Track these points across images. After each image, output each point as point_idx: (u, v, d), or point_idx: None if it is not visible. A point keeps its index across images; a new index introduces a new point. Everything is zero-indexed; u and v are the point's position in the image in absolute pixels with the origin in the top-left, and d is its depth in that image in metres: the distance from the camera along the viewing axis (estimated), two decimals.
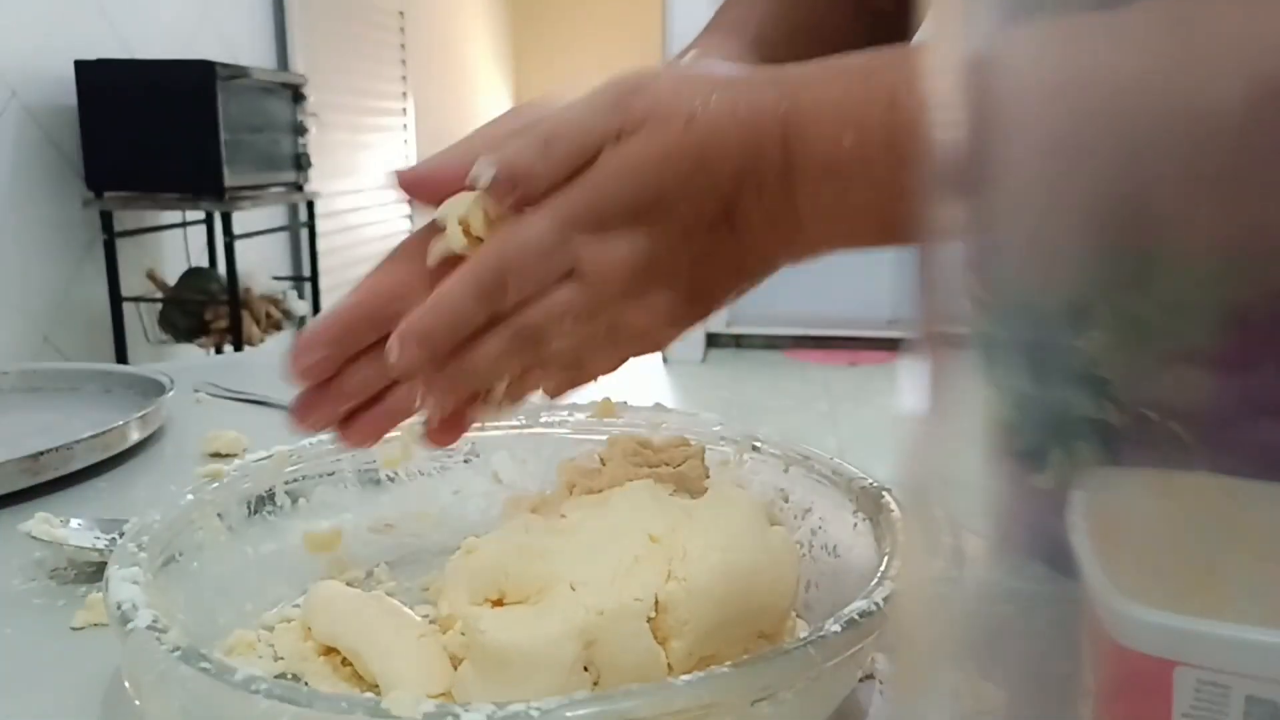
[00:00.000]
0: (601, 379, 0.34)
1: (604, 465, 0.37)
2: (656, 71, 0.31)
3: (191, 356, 2.03)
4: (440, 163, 0.33)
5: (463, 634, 0.29)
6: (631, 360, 0.34)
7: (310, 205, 2.35)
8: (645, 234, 0.30)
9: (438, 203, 0.32)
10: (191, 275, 1.98)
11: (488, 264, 0.29)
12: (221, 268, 1.98)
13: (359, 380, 0.31)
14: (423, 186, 0.33)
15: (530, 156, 0.29)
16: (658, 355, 3.85)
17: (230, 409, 0.67)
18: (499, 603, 0.27)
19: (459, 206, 0.30)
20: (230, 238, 1.87)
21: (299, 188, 2.16)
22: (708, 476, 0.36)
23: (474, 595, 0.28)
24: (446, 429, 0.34)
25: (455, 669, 0.30)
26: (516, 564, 0.28)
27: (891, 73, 0.30)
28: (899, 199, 0.30)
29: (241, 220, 1.96)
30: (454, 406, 0.32)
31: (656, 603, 0.27)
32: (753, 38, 0.46)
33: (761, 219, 0.31)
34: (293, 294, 2.16)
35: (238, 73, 1.82)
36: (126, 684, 0.27)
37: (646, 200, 0.30)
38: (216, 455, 0.56)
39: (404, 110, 3.53)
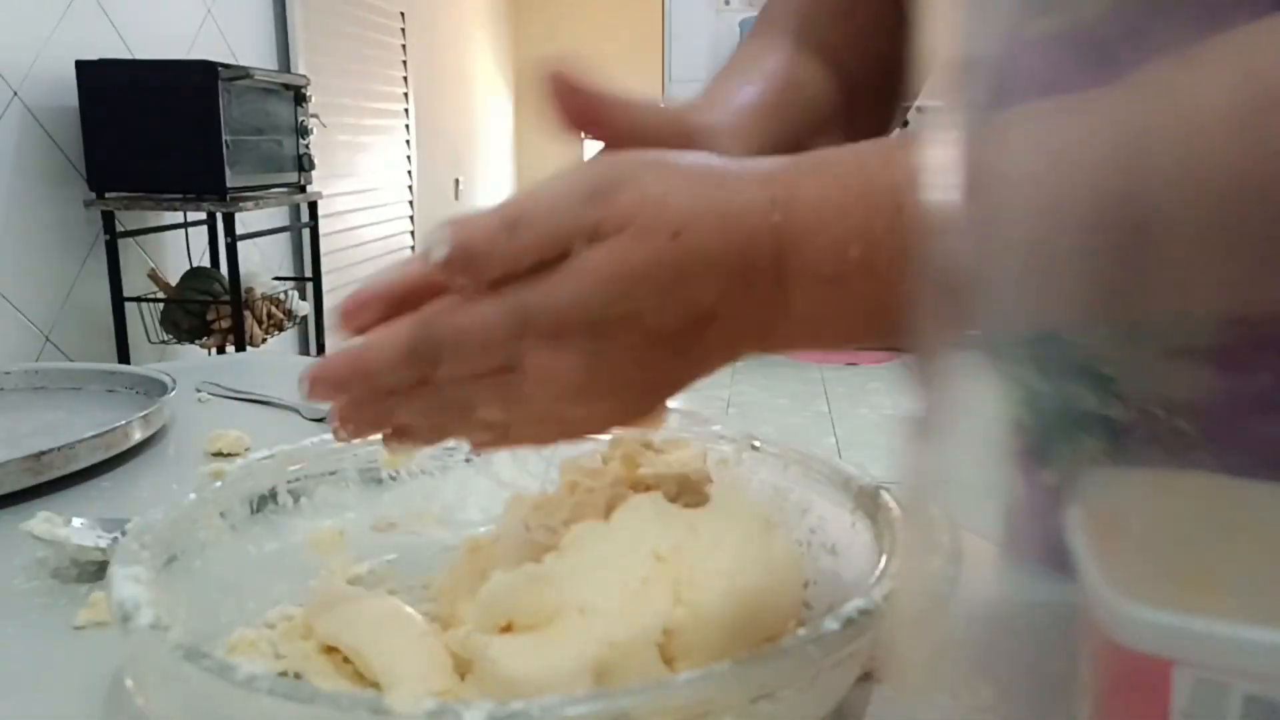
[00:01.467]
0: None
1: (605, 464, 0.37)
2: (642, 164, 0.29)
3: (194, 356, 2.03)
4: (381, 284, 0.30)
5: (470, 657, 0.28)
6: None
7: (312, 206, 2.35)
8: (604, 346, 0.27)
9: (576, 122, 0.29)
10: (193, 275, 1.98)
11: (425, 335, 0.28)
12: (224, 268, 1.99)
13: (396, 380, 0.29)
14: (365, 314, 0.30)
15: (491, 237, 0.27)
16: None
17: (232, 409, 0.67)
18: (507, 627, 0.27)
19: None
20: (232, 238, 1.87)
21: (301, 188, 2.16)
22: (710, 481, 0.36)
23: (483, 622, 0.28)
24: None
25: (456, 668, 0.31)
26: (525, 590, 0.28)
27: (893, 171, 0.28)
28: (899, 303, 0.27)
29: (244, 221, 1.96)
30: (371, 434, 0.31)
31: (664, 628, 0.27)
32: (796, 29, 0.44)
33: (738, 324, 0.29)
34: (295, 294, 2.16)
35: (240, 73, 1.82)
36: (129, 682, 0.27)
37: (615, 314, 0.27)
38: (219, 455, 0.57)
39: (405, 111, 3.53)
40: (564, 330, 0.27)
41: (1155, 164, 0.23)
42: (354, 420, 0.30)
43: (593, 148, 0.32)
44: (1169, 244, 0.22)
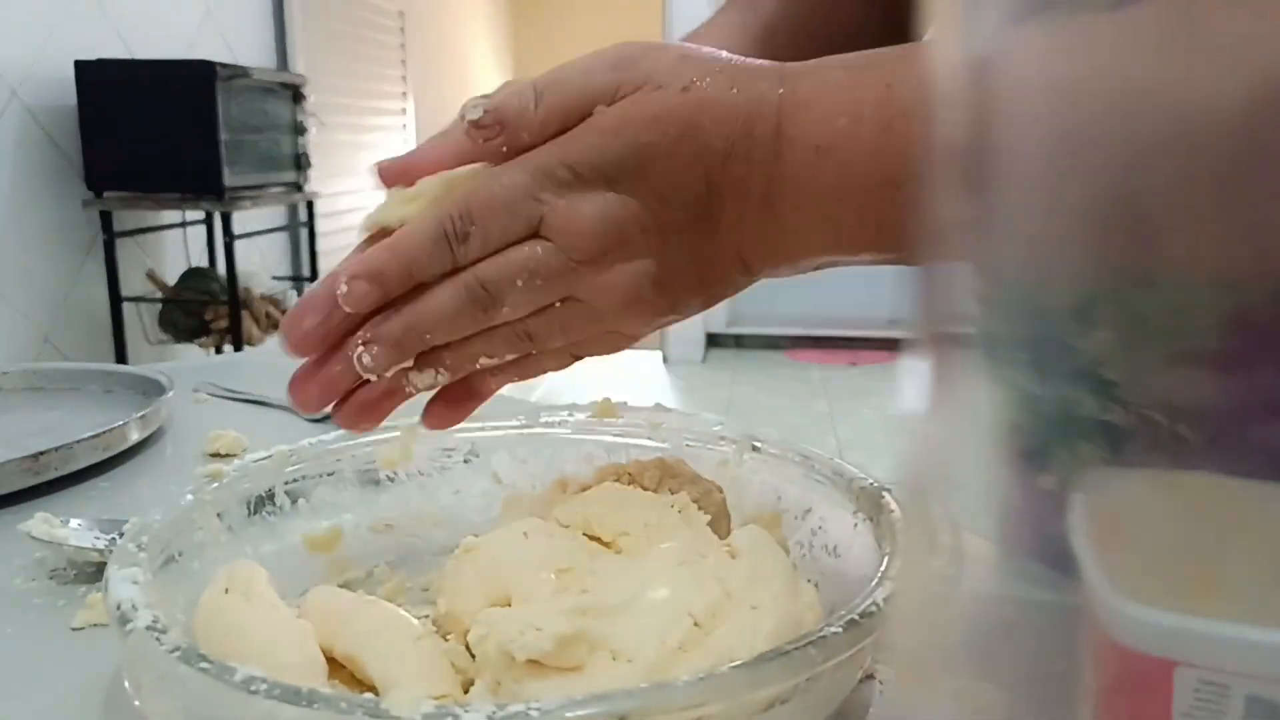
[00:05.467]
0: (556, 374, 0.33)
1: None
2: (662, 44, 0.31)
3: (192, 356, 2.03)
4: (423, 153, 0.32)
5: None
6: (582, 362, 0.33)
7: (310, 205, 2.35)
8: (619, 198, 0.29)
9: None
10: (191, 275, 1.98)
11: (452, 208, 0.29)
12: (221, 268, 1.99)
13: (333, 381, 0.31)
14: (406, 177, 0.32)
15: (521, 102, 0.29)
16: (658, 355, 3.84)
17: (230, 409, 0.67)
18: (536, 663, 0.27)
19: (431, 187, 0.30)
20: (230, 238, 1.87)
21: (299, 188, 2.16)
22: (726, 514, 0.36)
23: (514, 654, 0.26)
24: (444, 411, 0.34)
25: (454, 673, 0.30)
26: (557, 627, 0.27)
27: (890, 63, 0.30)
28: (887, 190, 0.29)
29: (241, 220, 1.96)
30: (396, 366, 0.31)
31: None
32: (764, 24, 0.46)
33: (741, 208, 0.30)
34: (293, 294, 2.16)
35: (238, 73, 1.82)
36: (126, 684, 0.27)
37: (627, 161, 0.29)
38: (216, 455, 0.57)
39: (404, 110, 3.53)
40: (580, 178, 0.29)
41: (1155, 129, 0.23)
42: (387, 336, 0.30)
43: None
44: (1173, 195, 0.22)
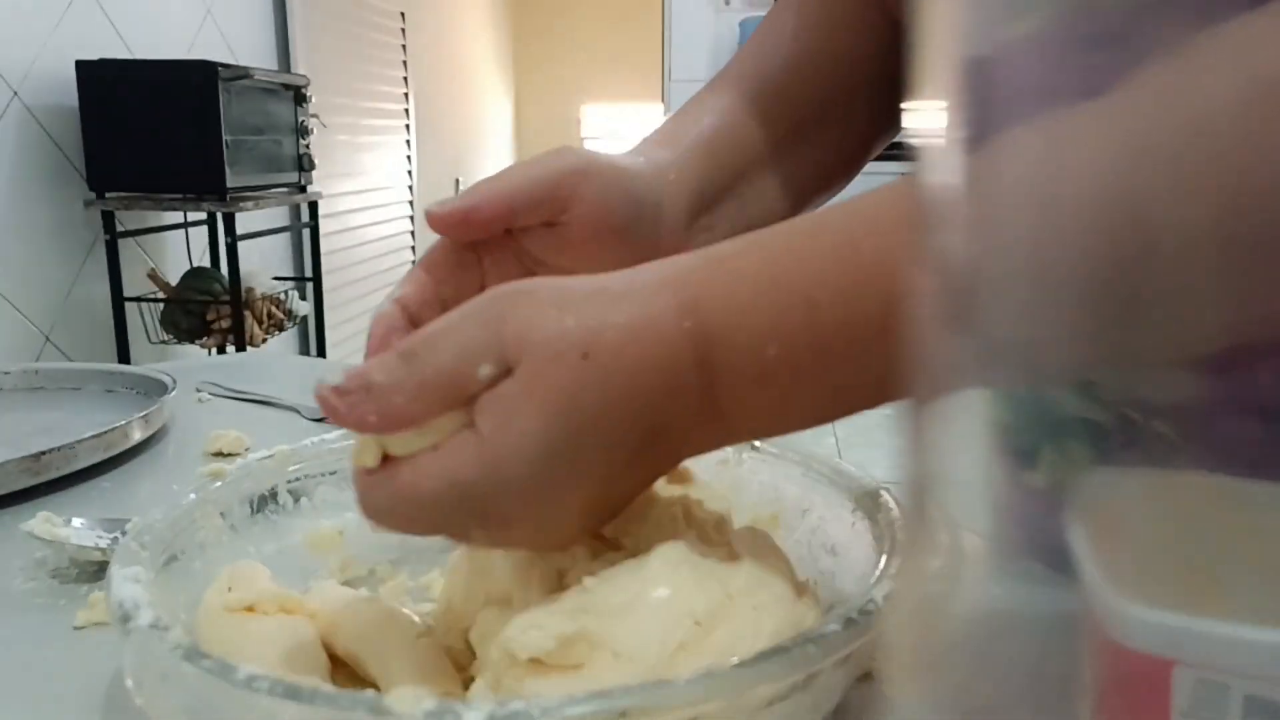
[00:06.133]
0: None
1: None
2: (527, 290, 0.28)
3: (193, 356, 2.03)
4: (474, 202, 0.32)
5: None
6: None
7: (312, 206, 2.35)
8: (562, 510, 0.28)
9: (471, 240, 0.33)
10: (193, 275, 1.98)
11: (372, 512, 0.28)
12: (224, 268, 1.99)
13: None
14: (457, 228, 0.33)
15: (386, 364, 0.27)
16: None
17: (232, 409, 0.67)
18: (537, 661, 0.27)
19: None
20: (232, 238, 1.87)
21: (301, 189, 2.16)
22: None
23: (515, 653, 0.27)
24: None
25: (455, 671, 0.31)
26: (558, 628, 0.27)
27: (800, 267, 0.28)
28: (834, 394, 0.29)
29: (244, 221, 1.96)
30: None
31: None
32: (738, 74, 0.46)
33: (682, 434, 0.29)
34: (295, 294, 2.16)
35: (240, 73, 1.82)
36: (128, 683, 0.27)
37: (561, 462, 0.26)
38: (219, 455, 0.57)
39: (405, 111, 3.53)
40: (513, 510, 0.27)
41: (1157, 168, 0.23)
42: None
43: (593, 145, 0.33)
44: (1171, 250, 0.22)
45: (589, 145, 0.35)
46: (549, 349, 0.26)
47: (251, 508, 0.38)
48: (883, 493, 0.35)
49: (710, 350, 0.27)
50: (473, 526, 0.28)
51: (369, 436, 0.28)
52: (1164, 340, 0.25)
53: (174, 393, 0.63)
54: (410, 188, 3.58)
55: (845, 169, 0.48)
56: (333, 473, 0.41)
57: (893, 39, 0.47)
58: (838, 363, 0.28)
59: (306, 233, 2.46)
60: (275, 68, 2.54)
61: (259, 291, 2.01)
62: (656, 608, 0.28)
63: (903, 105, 0.48)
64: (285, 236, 2.64)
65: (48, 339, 1.78)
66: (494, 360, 0.26)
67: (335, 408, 0.27)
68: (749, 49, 0.48)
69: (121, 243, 1.87)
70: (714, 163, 0.41)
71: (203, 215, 2.10)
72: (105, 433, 0.53)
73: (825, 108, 0.47)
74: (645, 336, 0.27)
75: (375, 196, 3.27)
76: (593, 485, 0.28)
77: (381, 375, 0.27)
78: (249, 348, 1.92)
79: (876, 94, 0.47)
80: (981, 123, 0.18)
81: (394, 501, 0.28)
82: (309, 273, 2.44)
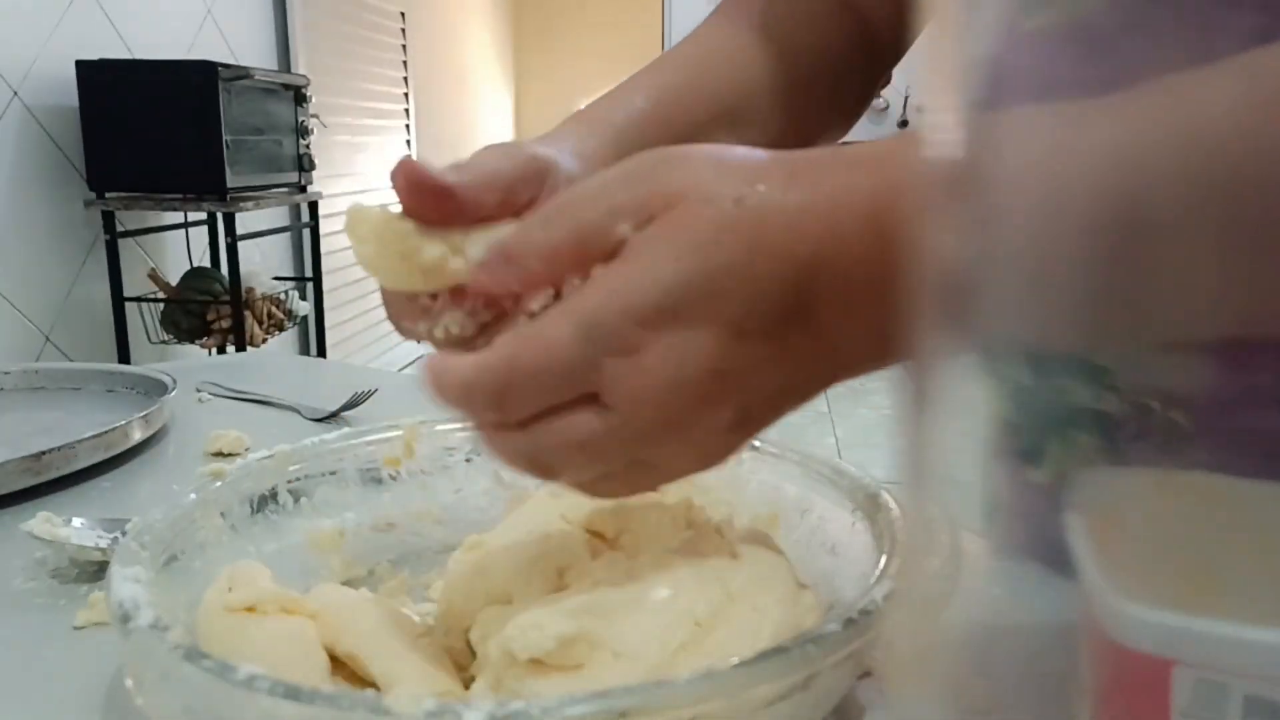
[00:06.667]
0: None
1: None
2: (685, 151, 0.26)
3: (194, 356, 2.03)
4: (458, 180, 0.27)
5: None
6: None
7: (313, 206, 2.35)
8: (692, 345, 0.24)
9: (432, 219, 0.27)
10: (194, 275, 1.98)
11: (488, 380, 0.24)
12: (224, 268, 1.99)
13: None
14: (426, 200, 0.27)
15: (524, 229, 0.25)
16: None
17: (232, 409, 0.67)
18: (538, 661, 0.27)
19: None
20: (233, 238, 1.87)
21: (301, 189, 2.16)
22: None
23: (515, 653, 0.27)
24: None
25: (456, 671, 0.31)
26: (559, 629, 0.27)
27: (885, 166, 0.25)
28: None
29: (244, 221, 1.96)
30: None
31: None
32: (748, 11, 0.45)
33: (841, 317, 0.25)
34: (295, 294, 2.16)
35: (240, 73, 1.82)
36: (128, 682, 0.27)
37: (697, 292, 0.23)
38: (219, 455, 0.57)
39: (406, 111, 3.53)
40: (642, 328, 0.23)
41: (1156, 165, 0.23)
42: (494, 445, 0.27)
43: None
44: (1170, 246, 0.22)
45: None
46: (698, 196, 0.24)
47: (252, 508, 0.38)
48: (883, 493, 0.35)
49: (889, 204, 0.24)
50: (609, 362, 0.24)
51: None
52: (1164, 322, 0.25)
53: (174, 393, 0.63)
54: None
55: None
56: (333, 472, 0.41)
57: (859, 35, 0.46)
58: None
59: (307, 233, 2.46)
60: (275, 68, 2.54)
61: (259, 291, 2.01)
62: (657, 608, 0.28)
63: (858, 102, 0.48)
64: (285, 236, 2.64)
65: (48, 339, 1.78)
66: (635, 218, 0.24)
67: (484, 283, 0.25)
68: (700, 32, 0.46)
69: (121, 243, 1.87)
70: (653, 139, 0.37)
71: (203, 215, 2.10)
72: (105, 433, 0.53)
73: (833, 71, 0.45)
74: (808, 188, 0.24)
75: (375, 196, 3.27)
76: (729, 343, 0.24)
77: (518, 241, 0.25)
78: (249, 348, 1.92)
79: (832, 90, 0.46)
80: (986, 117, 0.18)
81: (513, 344, 0.24)
82: (309, 273, 2.44)
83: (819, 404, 3.03)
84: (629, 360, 0.24)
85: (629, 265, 0.24)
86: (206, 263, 2.13)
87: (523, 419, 0.25)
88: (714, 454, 0.27)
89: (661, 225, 0.24)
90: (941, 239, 0.16)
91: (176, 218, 2.07)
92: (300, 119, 2.08)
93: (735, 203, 0.24)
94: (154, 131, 1.76)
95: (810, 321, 0.25)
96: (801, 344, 0.25)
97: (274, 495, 0.39)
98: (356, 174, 3.08)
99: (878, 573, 0.29)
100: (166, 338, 1.96)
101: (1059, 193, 0.24)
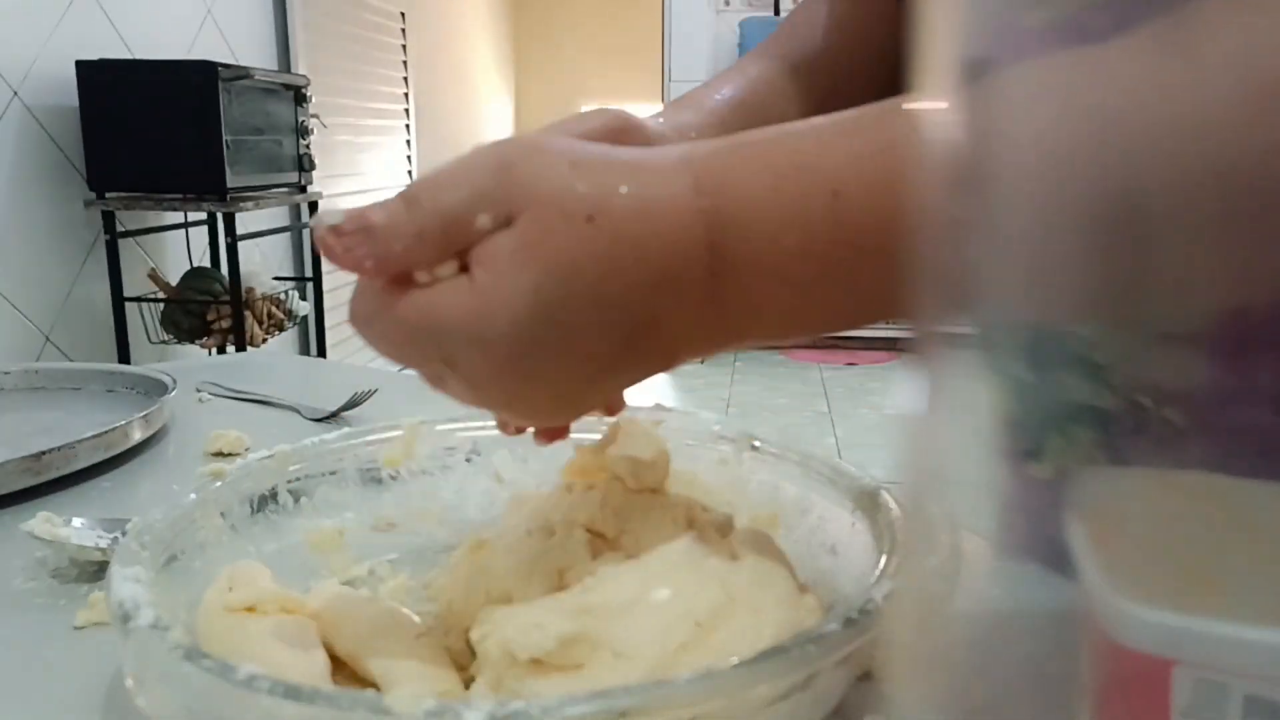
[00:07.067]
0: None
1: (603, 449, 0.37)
2: (543, 145, 0.26)
3: (194, 356, 2.03)
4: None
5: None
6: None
7: (313, 206, 2.35)
8: (530, 387, 0.26)
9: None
10: (194, 275, 1.98)
11: (357, 317, 0.27)
12: (224, 268, 1.99)
13: None
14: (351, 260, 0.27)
15: (390, 208, 0.26)
16: None
17: (232, 409, 0.67)
18: (538, 662, 0.27)
19: None
20: (233, 238, 1.87)
21: (301, 189, 2.16)
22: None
23: (515, 653, 0.27)
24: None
25: (455, 671, 0.31)
26: (560, 626, 0.27)
27: (828, 158, 0.27)
28: (850, 297, 0.27)
29: (244, 221, 1.96)
30: None
31: None
32: (775, 49, 0.46)
33: (679, 329, 0.27)
34: (295, 294, 2.16)
35: (240, 74, 1.82)
36: (128, 683, 0.27)
37: (545, 338, 0.25)
38: (219, 455, 0.57)
39: (406, 111, 3.53)
40: (486, 378, 0.26)
41: (1155, 145, 0.23)
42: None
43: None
44: (1168, 225, 0.22)
45: None
46: (554, 206, 0.25)
47: (252, 507, 0.38)
48: (882, 492, 0.35)
49: (724, 234, 0.26)
50: (444, 371, 0.27)
51: None
52: (1164, 299, 0.25)
53: (174, 393, 0.63)
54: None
55: None
56: (333, 473, 0.41)
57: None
58: (859, 261, 0.26)
59: (307, 233, 2.46)
60: (275, 68, 2.54)
61: (259, 291, 2.01)
62: (657, 609, 0.28)
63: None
64: (285, 236, 2.64)
65: (48, 339, 1.78)
66: (494, 211, 0.25)
67: (332, 248, 0.26)
68: (784, 30, 0.48)
69: (122, 243, 1.87)
70: (741, 125, 0.40)
71: (203, 215, 2.10)
72: (105, 433, 0.53)
73: (860, 90, 0.47)
74: (657, 210, 0.26)
75: (375, 196, 3.26)
76: (577, 363, 0.26)
77: (381, 217, 0.25)
78: (249, 348, 1.92)
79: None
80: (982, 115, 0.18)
81: (376, 312, 0.27)
82: (309, 273, 2.44)
83: (819, 404, 3.03)
84: (469, 386, 0.27)
85: (493, 289, 0.25)
86: (206, 263, 2.13)
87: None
88: (559, 413, 0.29)
89: (522, 240, 0.25)
90: (938, 223, 0.16)
91: (176, 218, 2.07)
92: (300, 119, 2.08)
93: (587, 221, 0.25)
94: (154, 131, 1.76)
95: (655, 332, 0.27)
96: (653, 346, 0.27)
97: (274, 495, 0.39)
98: (357, 174, 3.08)
99: (877, 572, 0.29)
100: (166, 338, 1.96)
101: (1055, 167, 0.24)
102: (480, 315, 0.25)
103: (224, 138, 1.75)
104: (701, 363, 3.47)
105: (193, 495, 0.36)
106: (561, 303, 0.25)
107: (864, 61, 0.47)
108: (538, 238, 0.25)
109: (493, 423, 0.44)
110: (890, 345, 3.49)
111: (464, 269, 0.26)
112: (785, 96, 0.44)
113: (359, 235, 0.26)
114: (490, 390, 0.27)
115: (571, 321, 0.25)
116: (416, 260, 0.26)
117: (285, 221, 2.61)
